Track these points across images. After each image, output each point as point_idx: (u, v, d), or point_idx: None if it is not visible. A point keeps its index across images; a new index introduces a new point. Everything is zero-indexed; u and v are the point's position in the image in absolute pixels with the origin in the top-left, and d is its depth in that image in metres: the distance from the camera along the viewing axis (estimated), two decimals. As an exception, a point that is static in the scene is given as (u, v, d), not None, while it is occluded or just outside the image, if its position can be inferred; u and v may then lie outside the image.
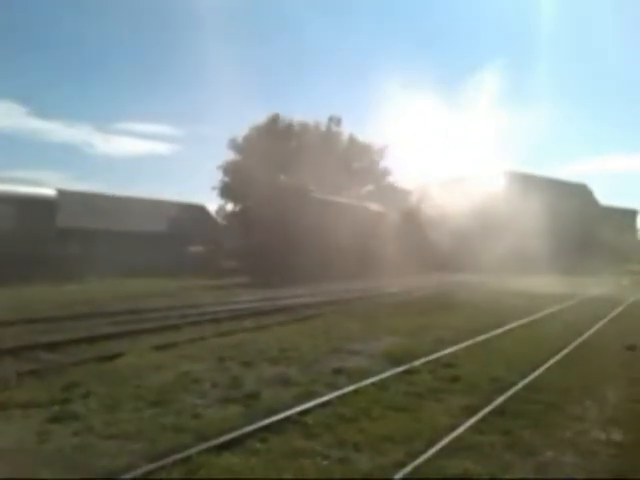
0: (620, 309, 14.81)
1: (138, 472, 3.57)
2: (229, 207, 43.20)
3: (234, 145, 42.46)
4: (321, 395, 5.50)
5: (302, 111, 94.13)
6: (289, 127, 43.09)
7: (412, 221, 31.82)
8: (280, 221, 23.94)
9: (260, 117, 43.70)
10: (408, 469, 3.73)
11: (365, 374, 6.45)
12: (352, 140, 44.67)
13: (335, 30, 79.83)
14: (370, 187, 43.53)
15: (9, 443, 4.21)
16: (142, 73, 77.38)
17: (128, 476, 3.51)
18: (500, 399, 5.48)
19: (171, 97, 78.17)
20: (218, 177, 42.49)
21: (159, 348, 7.94)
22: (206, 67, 77.14)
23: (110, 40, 72.24)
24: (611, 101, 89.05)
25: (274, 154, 37.00)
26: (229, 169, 41.97)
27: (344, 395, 5.55)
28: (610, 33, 67.44)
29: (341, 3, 78.14)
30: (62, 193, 28.61)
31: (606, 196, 67.97)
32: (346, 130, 44.92)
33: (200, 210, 39.28)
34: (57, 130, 71.34)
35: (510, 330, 10.37)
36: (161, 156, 74.95)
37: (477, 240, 29.71)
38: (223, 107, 73.98)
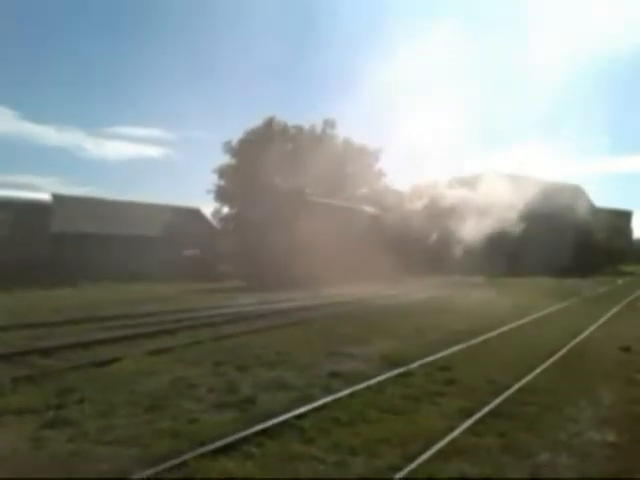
0: (614, 310, 14.89)
1: (133, 478, 3.55)
2: (224, 210, 43.17)
3: (229, 148, 42.49)
4: (317, 399, 5.50)
5: (297, 114, 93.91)
6: (284, 130, 43.13)
7: (409, 224, 31.83)
8: (276, 224, 23.92)
9: (255, 120, 43.75)
10: (404, 472, 3.74)
11: (361, 377, 6.45)
12: (347, 143, 44.75)
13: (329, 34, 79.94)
14: (364, 189, 43.56)
15: (3, 449, 4.18)
16: (132, 77, 77.20)
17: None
18: (496, 401, 5.51)
19: (161, 100, 77.88)
20: (213, 180, 42.54)
21: (154, 353, 7.91)
22: (195, 70, 77.31)
23: (101, 44, 72.16)
24: (603, 102, 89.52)
25: (269, 157, 36.98)
26: (224, 172, 41.97)
27: (340, 399, 5.55)
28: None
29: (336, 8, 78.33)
30: (57, 197, 28.48)
31: (600, 198, 68.55)
32: (341, 133, 45.06)
33: (195, 213, 39.16)
34: (49, 134, 70.80)
35: (505, 332, 10.41)
36: (154, 159, 74.57)
37: (472, 242, 29.78)
38: (214, 111, 74.04)
